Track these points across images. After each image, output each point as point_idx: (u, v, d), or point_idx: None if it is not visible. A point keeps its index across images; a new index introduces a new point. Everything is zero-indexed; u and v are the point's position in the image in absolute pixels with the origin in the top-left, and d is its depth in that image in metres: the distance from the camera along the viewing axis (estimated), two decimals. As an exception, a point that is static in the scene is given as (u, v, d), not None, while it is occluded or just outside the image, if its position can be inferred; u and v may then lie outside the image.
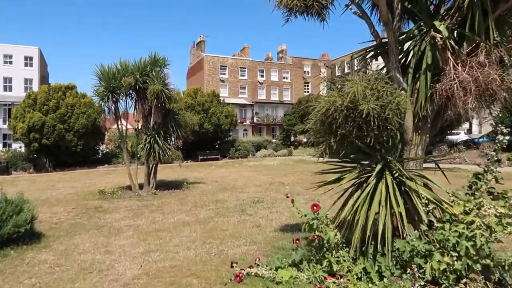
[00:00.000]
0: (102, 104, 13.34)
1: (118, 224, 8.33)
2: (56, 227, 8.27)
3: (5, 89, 41.81)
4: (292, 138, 43.52)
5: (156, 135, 13.31)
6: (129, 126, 43.63)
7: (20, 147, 32.42)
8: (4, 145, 39.88)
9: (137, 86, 13.06)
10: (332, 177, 5.49)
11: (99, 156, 33.65)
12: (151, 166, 14.01)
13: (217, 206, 10.09)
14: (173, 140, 14.11)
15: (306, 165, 24.28)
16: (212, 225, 7.77)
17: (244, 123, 51.11)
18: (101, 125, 13.45)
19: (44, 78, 46.53)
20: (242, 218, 8.29)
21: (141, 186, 14.07)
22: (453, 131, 24.67)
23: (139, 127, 14.32)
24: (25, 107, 28.38)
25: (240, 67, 53.32)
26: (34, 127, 27.25)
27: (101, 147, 34.81)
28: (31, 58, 42.90)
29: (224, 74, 52.14)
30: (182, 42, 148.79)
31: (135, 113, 13.94)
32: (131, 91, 13.68)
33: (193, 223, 8.02)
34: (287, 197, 5.44)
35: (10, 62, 41.98)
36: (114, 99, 13.26)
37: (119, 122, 13.70)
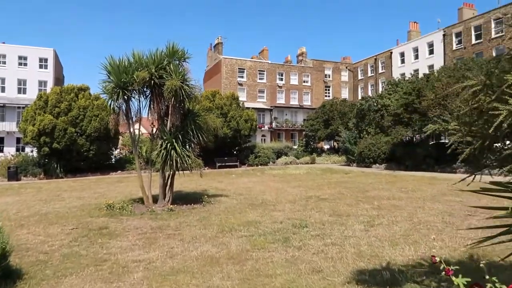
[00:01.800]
0: (111, 102, 11.40)
1: (124, 258, 6.26)
2: (44, 261, 6.24)
3: (19, 91, 40.77)
4: (315, 145, 41.12)
5: (174, 140, 11.28)
6: (143, 131, 41.98)
7: (32, 151, 30.98)
8: (18, 149, 38.61)
9: (152, 81, 11.09)
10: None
11: (113, 162, 31.98)
12: (167, 176, 11.99)
13: (250, 231, 7.94)
14: (192, 146, 12.05)
15: (336, 174, 21.99)
16: (251, 265, 5.61)
17: (263, 128, 49.03)
18: (110, 127, 11.29)
19: (59, 80, 45.39)
20: (289, 254, 6.11)
21: (155, 199, 12.06)
22: None
23: (154, 131, 12.33)
24: (35, 109, 26.90)
25: (259, 70, 51.36)
26: (45, 130, 25.70)
27: (114, 152, 33.17)
28: (45, 60, 41.81)
29: (242, 77, 50.24)
30: (198, 45, 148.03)
31: (149, 114, 11.94)
32: (145, 88, 11.73)
33: (224, 261, 5.88)
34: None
35: (25, 64, 40.96)
36: (125, 97, 11.29)
37: (131, 124, 11.72)
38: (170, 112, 11.40)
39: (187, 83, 11.35)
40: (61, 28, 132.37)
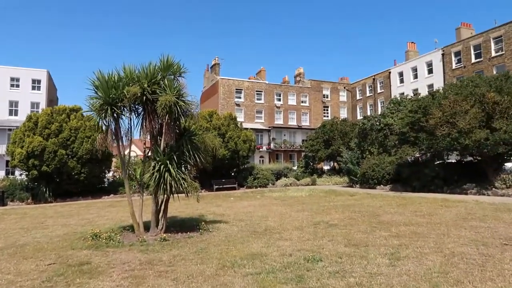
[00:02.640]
0: (99, 121, 10.34)
1: (103, 306, 5.07)
2: (4, 311, 5.05)
3: (10, 113, 39.72)
4: (315, 165, 39.97)
5: (168, 161, 10.18)
6: (139, 153, 40.82)
7: (21, 175, 29.67)
8: (7, 172, 37.23)
9: (145, 97, 10.07)
10: None
11: (105, 185, 30.70)
12: (160, 201, 10.84)
13: (255, 266, 6.77)
14: (188, 168, 10.95)
15: (341, 196, 20.83)
16: (263, 318, 4.45)
17: (261, 149, 48.03)
18: (98, 148, 10.14)
19: (52, 102, 44.41)
20: (308, 300, 4.96)
21: (147, 227, 10.86)
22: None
23: (147, 151, 11.25)
24: (25, 130, 25.83)
25: (257, 91, 50.78)
26: (34, 152, 24.56)
27: (107, 175, 31.92)
28: (39, 81, 40.96)
29: (240, 97, 49.57)
30: (195, 67, 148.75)
31: (141, 134, 10.87)
32: (136, 105, 10.71)
33: (228, 311, 4.72)
34: None
35: (17, 85, 40.07)
36: (114, 114, 10.25)
37: (120, 145, 10.63)
38: (164, 131, 10.34)
39: (183, 99, 10.34)
40: (56, 50, 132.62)
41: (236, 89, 49.40)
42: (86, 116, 27.42)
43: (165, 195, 10.50)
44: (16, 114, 39.32)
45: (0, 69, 39.58)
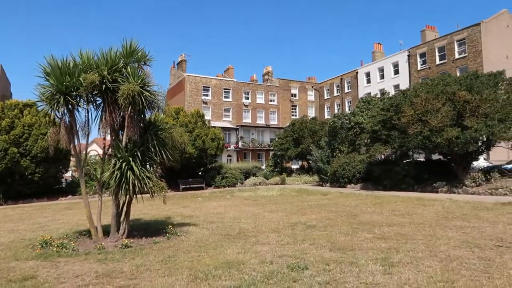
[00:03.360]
0: (51, 112, 9.08)
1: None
2: None
3: (-44, 108, 36.43)
4: (285, 164, 39.42)
5: (131, 158, 9.08)
6: (100, 151, 38.80)
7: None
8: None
9: (104, 86, 8.92)
10: None
11: (63, 186, 28.69)
12: (121, 203, 9.71)
13: (233, 277, 5.88)
14: (154, 166, 9.87)
15: (313, 196, 20.28)
16: None
17: (228, 148, 47.04)
18: (49, 143, 8.84)
19: (5, 97, 41.20)
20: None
21: (106, 231, 9.71)
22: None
23: (107, 148, 10.07)
24: (-29, 127, 23.48)
25: (224, 89, 49.74)
26: (-19, 151, 22.33)
27: (65, 175, 29.89)
28: (-11, 74, 37.97)
29: (207, 95, 48.36)
30: (160, 63, 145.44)
31: (100, 128, 9.68)
32: (94, 95, 9.53)
33: None
34: None
35: (-36, 78, 36.93)
36: (69, 105, 9.03)
37: (76, 140, 9.41)
38: (126, 124, 9.23)
39: (148, 88, 9.27)
40: (9, 42, 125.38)
41: (203, 86, 48.12)
42: (41, 111, 25.50)
43: (128, 196, 9.38)
44: (-37, 110, 36.13)
45: None
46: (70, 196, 26.43)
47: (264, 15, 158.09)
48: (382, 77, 46.41)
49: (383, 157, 25.06)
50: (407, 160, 24.96)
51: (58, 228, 12.17)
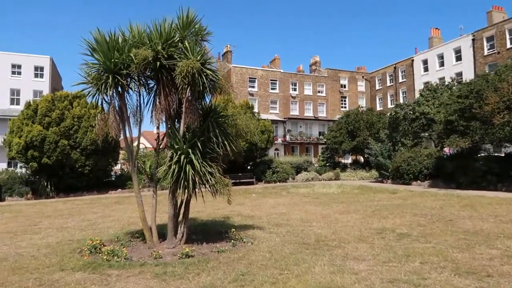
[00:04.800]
0: (97, 95, 7.77)
1: None
2: None
3: (12, 102, 37.49)
4: (338, 158, 37.10)
5: (190, 150, 7.60)
6: (147, 145, 38.17)
7: (21, 167, 27.41)
8: (9, 165, 35.04)
9: (158, 63, 7.47)
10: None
11: (112, 179, 28.31)
12: (179, 202, 8.29)
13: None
14: (218, 159, 8.35)
15: (381, 194, 18.15)
16: None
17: (276, 141, 45.29)
18: (97, 133, 7.45)
19: (56, 91, 42.12)
20: None
21: (161, 233, 8.37)
22: None
23: (161, 138, 8.66)
24: (23, 119, 23.44)
25: (271, 80, 47.98)
26: (33, 143, 22.17)
27: (114, 168, 29.53)
28: (41, 69, 38.62)
29: (253, 87, 46.82)
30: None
31: (154, 115, 8.28)
32: (146, 77, 8.14)
33: None
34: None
35: (19, 73, 37.76)
36: (118, 87, 7.69)
37: (127, 128, 8.07)
38: (184, 109, 7.75)
39: (210, 66, 7.74)
40: (60, 38, 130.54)
41: (249, 78, 46.65)
42: (91, 103, 25.06)
43: (187, 194, 7.93)
44: (18, 103, 37.02)
45: (1, 56, 37.28)
46: (120, 189, 25.93)
47: (307, 5, 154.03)
48: (441, 64, 42.67)
49: (455, 152, 22.31)
50: (481, 155, 22.07)
51: (108, 227, 11.06)
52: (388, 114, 31.39)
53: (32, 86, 37.59)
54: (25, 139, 22.16)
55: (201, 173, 7.66)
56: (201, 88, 7.54)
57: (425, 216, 10.91)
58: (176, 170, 7.57)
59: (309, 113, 49.89)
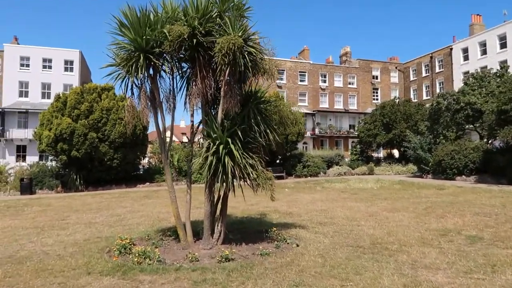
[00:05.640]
0: (127, 79, 6.96)
1: None
2: None
3: (43, 96, 37.83)
4: (371, 152, 35.51)
5: (230, 139, 6.70)
6: (174, 138, 37.83)
7: (51, 161, 27.44)
8: (41, 158, 35.42)
9: (195, 40, 6.58)
10: None
11: (140, 172, 27.98)
12: (215, 198, 7.43)
13: None
14: (260, 150, 7.44)
15: (426, 190, 16.80)
16: None
17: (305, 134, 44.07)
18: (126, 121, 6.60)
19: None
20: None
21: (195, 231, 7.55)
22: None
23: (196, 126, 7.78)
24: (53, 111, 23.29)
25: (300, 71, 46.65)
26: (62, 135, 21.96)
27: (142, 161, 29.21)
28: (71, 62, 38.79)
29: (282, 79, 45.59)
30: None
31: (187, 101, 7.41)
32: (179, 60, 7.28)
33: None
34: None
35: (49, 67, 38.07)
36: (150, 68, 6.87)
37: (159, 115, 7.24)
38: (223, 93, 6.85)
39: (252, 43, 6.79)
40: (89, 35, 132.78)
41: (277, 69, 45.45)
42: (119, 96, 24.68)
43: (226, 189, 7.06)
44: (48, 97, 37.30)
45: (33, 50, 37.70)
46: (148, 183, 25.53)
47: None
48: (484, 52, 40.13)
49: (503, 145, 20.57)
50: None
51: (138, 223, 10.36)
52: (427, 105, 29.64)
53: (62, 80, 37.82)
54: (55, 132, 21.98)
55: (241, 166, 6.77)
56: (243, 68, 6.61)
57: (489, 216, 9.64)
58: (214, 162, 6.69)
59: (339, 106, 48.31)
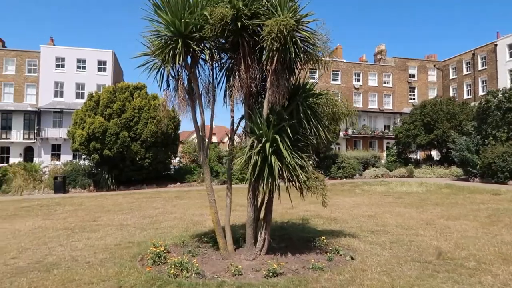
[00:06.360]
0: (163, 70, 6.27)
1: None
2: None
3: (77, 96, 38.34)
4: (409, 154, 33.77)
5: (277, 137, 5.88)
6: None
7: (84, 159, 27.56)
8: (75, 157, 35.87)
9: (239, 23, 5.79)
10: None
11: (171, 172, 27.64)
12: (259, 202, 6.62)
13: None
14: (309, 148, 6.59)
15: (479, 195, 15.38)
16: None
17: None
18: (160, 116, 5.87)
19: (118, 85, 42.76)
20: None
21: (235, 239, 6.78)
22: None
23: (235, 126, 6.99)
24: (86, 110, 23.29)
25: (333, 70, 45.19)
26: (95, 134, 21.85)
27: (173, 161, 28.88)
28: (104, 63, 39.13)
29: (314, 78, 44.35)
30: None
31: (227, 94, 6.65)
32: (220, 46, 6.52)
33: None
34: None
35: (83, 67, 38.54)
36: (188, 56, 6.14)
37: (197, 109, 6.50)
38: (269, 84, 6.03)
39: (305, 27, 5.94)
40: (122, 34, 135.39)
41: (309, 68, 44.32)
42: (151, 95, 24.41)
43: (272, 192, 6.24)
44: (82, 97, 37.70)
45: (67, 51, 38.30)
46: (179, 183, 25.14)
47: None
48: (532, 48, 37.56)
49: None
50: None
51: (171, 226, 9.71)
52: (472, 103, 27.78)
53: (95, 80, 38.19)
54: (88, 131, 21.91)
55: (290, 167, 5.92)
56: (293, 55, 5.77)
57: None
58: (259, 162, 5.88)
59: (373, 105, 46.58)
